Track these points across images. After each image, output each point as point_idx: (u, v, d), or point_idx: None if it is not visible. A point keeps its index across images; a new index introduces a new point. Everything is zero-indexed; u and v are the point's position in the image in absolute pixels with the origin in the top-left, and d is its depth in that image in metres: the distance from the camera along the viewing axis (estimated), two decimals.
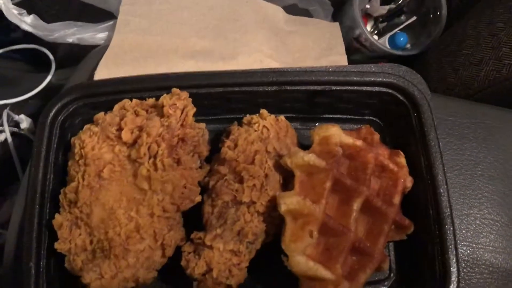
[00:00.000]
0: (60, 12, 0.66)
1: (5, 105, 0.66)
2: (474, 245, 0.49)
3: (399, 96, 0.48)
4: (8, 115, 0.66)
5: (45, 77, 0.67)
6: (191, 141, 0.43)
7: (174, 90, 0.45)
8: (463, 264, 0.49)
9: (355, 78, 0.47)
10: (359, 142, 0.44)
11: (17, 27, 0.86)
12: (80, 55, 0.62)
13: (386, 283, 0.47)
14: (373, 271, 0.43)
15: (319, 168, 0.41)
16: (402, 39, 0.79)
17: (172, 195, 0.41)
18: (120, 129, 0.42)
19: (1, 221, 0.67)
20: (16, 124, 0.68)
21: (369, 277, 0.42)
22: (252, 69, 0.48)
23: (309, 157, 0.41)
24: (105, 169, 0.41)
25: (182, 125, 0.43)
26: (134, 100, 0.45)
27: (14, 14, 0.52)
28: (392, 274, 0.47)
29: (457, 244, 0.42)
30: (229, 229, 0.41)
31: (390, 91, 0.48)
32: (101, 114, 0.44)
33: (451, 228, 0.43)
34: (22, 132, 0.68)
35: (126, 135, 0.41)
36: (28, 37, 0.69)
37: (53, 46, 0.67)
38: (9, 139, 0.63)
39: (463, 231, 0.50)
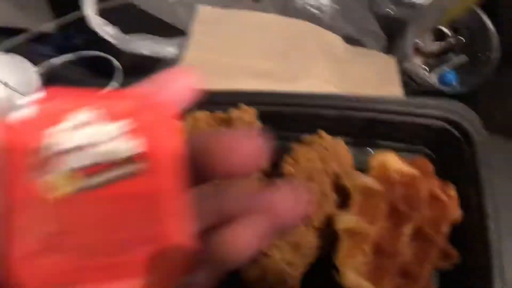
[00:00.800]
0: (133, 25, 0.70)
1: None
2: None
3: (454, 131, 0.50)
4: None
5: (108, 83, 0.71)
6: None
7: (242, 106, 0.48)
8: None
9: (413, 110, 0.50)
10: (414, 171, 0.46)
11: (77, 35, 0.92)
12: (141, 65, 0.66)
13: None
14: None
15: (376, 191, 0.44)
16: (451, 76, 0.81)
17: None
18: None
19: None
20: None
21: None
22: (315, 92, 0.51)
23: (368, 180, 0.44)
24: None
25: None
26: (206, 112, 0.48)
27: (98, 24, 0.57)
28: None
29: (505, 280, 0.44)
30: (285, 240, 0.44)
31: (445, 125, 0.50)
32: None
33: (499, 264, 0.44)
34: None
35: None
36: (88, 44, 0.74)
37: (116, 54, 0.72)
38: None
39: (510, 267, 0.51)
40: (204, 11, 0.61)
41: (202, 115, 0.48)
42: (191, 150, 0.22)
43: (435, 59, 0.85)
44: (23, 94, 0.69)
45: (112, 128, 0.21)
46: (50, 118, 0.21)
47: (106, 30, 0.58)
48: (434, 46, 0.83)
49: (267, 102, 0.50)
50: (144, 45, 0.60)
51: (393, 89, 0.59)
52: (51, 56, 0.75)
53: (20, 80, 0.72)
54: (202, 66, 0.57)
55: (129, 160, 0.21)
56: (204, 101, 0.51)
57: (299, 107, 0.50)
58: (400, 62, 0.80)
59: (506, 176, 0.54)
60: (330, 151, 0.48)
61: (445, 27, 0.83)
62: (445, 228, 0.46)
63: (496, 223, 0.45)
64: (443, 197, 0.47)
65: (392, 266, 0.44)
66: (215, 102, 0.50)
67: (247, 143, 0.21)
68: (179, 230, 0.21)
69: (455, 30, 0.83)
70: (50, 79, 0.78)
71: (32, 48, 0.77)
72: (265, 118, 0.49)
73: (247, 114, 0.47)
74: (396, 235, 0.45)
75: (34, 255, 0.20)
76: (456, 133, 0.50)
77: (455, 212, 0.47)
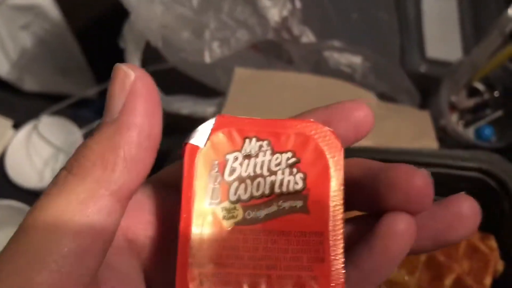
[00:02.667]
0: (174, 87, 0.74)
1: None
2: None
3: (490, 182, 0.50)
4: None
5: None
6: None
7: None
8: None
9: (449, 162, 0.50)
10: None
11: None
12: (177, 126, 0.69)
13: None
14: None
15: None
16: (488, 131, 0.81)
17: None
18: None
19: None
20: None
21: None
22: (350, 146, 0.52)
23: None
24: None
25: None
26: None
27: None
28: None
29: None
30: None
31: (482, 176, 0.50)
32: None
33: None
34: None
35: None
36: None
37: None
38: None
39: None
40: (240, 72, 0.65)
41: None
42: (356, 179, 0.21)
43: (471, 115, 0.85)
44: (68, 154, 0.73)
45: (280, 159, 0.22)
46: (221, 146, 0.21)
47: None
48: (469, 102, 0.84)
49: None
50: (184, 105, 0.63)
51: (428, 142, 0.59)
52: (93, 119, 0.80)
53: (66, 140, 0.76)
54: None
55: (295, 194, 0.21)
56: None
57: None
58: (436, 119, 0.81)
59: None
60: None
61: (479, 83, 0.84)
62: (488, 280, 0.46)
63: None
64: (484, 248, 0.47)
65: None
66: None
67: (423, 175, 0.20)
68: (338, 274, 0.21)
69: (489, 86, 0.84)
70: None
71: (76, 112, 0.82)
72: None
73: None
74: (436, 286, 0.44)
75: (197, 281, 0.20)
76: (493, 183, 0.49)
77: (497, 264, 0.46)
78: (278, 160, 0.21)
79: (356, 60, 0.65)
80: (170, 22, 0.54)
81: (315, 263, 0.21)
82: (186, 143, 0.21)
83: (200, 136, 0.21)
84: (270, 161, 0.21)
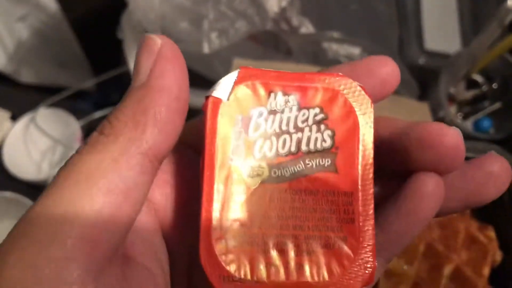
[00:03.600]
0: None
1: None
2: None
3: None
4: None
5: None
6: None
7: None
8: None
9: None
10: None
11: (115, 92, 0.97)
12: None
13: None
14: None
15: None
16: (486, 123, 0.81)
17: None
18: None
19: None
20: None
21: None
22: None
23: None
24: None
25: None
26: None
27: None
28: None
29: None
30: None
31: None
32: None
33: None
34: None
35: None
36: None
37: None
38: None
39: None
40: (238, 64, 0.64)
41: None
42: (386, 137, 0.21)
43: (469, 107, 0.85)
44: (66, 146, 0.73)
45: (307, 115, 0.21)
46: (245, 101, 0.20)
47: None
48: (467, 94, 0.84)
49: None
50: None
51: None
52: (91, 111, 0.80)
53: (64, 132, 0.76)
54: None
55: (323, 152, 0.20)
56: None
57: None
58: (434, 111, 0.81)
59: None
60: None
61: (478, 75, 0.84)
62: (486, 271, 0.46)
63: None
64: (482, 238, 0.47)
65: None
66: None
67: (454, 134, 0.20)
68: (368, 235, 0.20)
69: (488, 77, 0.84)
70: (90, 130, 0.83)
71: (73, 104, 0.82)
72: None
73: None
74: (435, 276, 0.44)
75: (222, 241, 0.20)
76: None
77: (495, 254, 0.46)
78: (305, 116, 0.21)
79: (355, 51, 0.64)
80: (169, 12, 0.54)
81: (344, 223, 0.20)
82: (208, 96, 0.20)
83: (223, 89, 0.20)
84: (296, 117, 0.20)
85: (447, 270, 0.44)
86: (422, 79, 0.83)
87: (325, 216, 0.20)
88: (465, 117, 0.84)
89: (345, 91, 0.21)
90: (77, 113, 0.79)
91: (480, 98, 0.84)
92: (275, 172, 0.20)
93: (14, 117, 0.78)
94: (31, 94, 0.82)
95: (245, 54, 0.67)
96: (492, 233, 0.47)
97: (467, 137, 0.79)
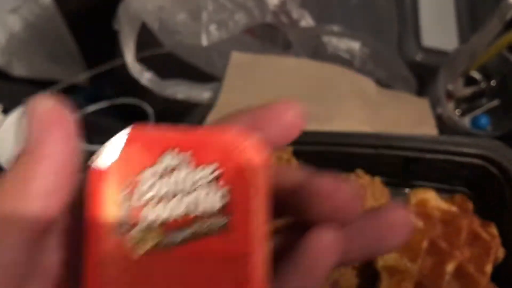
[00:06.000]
0: (170, 72, 0.73)
1: None
2: None
3: (491, 169, 0.49)
4: None
5: None
6: None
7: None
8: None
9: (449, 148, 0.49)
10: (454, 208, 0.45)
11: (108, 85, 0.95)
12: (172, 111, 0.68)
13: None
14: None
15: (416, 228, 0.43)
16: (484, 120, 0.81)
17: None
18: None
19: None
20: None
21: None
22: (351, 130, 0.51)
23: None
24: None
25: None
26: None
27: (137, 70, 0.59)
28: None
29: None
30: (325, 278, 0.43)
31: (483, 163, 0.49)
32: None
33: None
34: None
35: None
36: (119, 94, 0.77)
37: (148, 102, 0.74)
38: None
39: None
40: (236, 57, 0.63)
41: None
42: (287, 189, 0.20)
43: (467, 104, 0.85)
44: None
45: (200, 174, 0.19)
46: (134, 163, 0.19)
47: (144, 76, 0.60)
48: (466, 91, 0.84)
49: (303, 141, 0.50)
50: (180, 90, 0.62)
51: (427, 129, 0.59)
52: (84, 106, 0.78)
53: None
54: (235, 108, 0.58)
55: (216, 212, 0.19)
56: None
57: (335, 146, 0.50)
58: (433, 107, 0.80)
59: None
60: (368, 189, 0.48)
61: (476, 72, 0.83)
62: (489, 268, 0.45)
63: None
64: (485, 235, 0.46)
65: None
66: None
67: (348, 188, 0.19)
68: None
69: (486, 75, 0.84)
70: (83, 127, 0.81)
71: (65, 98, 0.80)
72: (302, 157, 0.50)
73: (285, 152, 0.48)
74: (438, 273, 0.43)
75: None
76: (495, 170, 0.49)
77: (498, 251, 0.46)
78: (198, 176, 0.19)
79: (355, 45, 0.64)
80: (167, 3, 0.53)
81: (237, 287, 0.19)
82: (91, 166, 0.19)
83: (109, 153, 0.19)
84: (188, 177, 0.19)
85: (450, 267, 0.44)
86: (419, 75, 0.83)
87: (217, 281, 0.19)
88: (463, 114, 0.83)
89: (241, 146, 0.19)
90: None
91: (478, 95, 0.84)
92: (165, 239, 0.19)
93: (6, 111, 0.76)
94: (23, 87, 0.81)
95: (244, 47, 0.66)
96: (494, 230, 0.47)
97: (465, 134, 0.79)
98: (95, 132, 0.82)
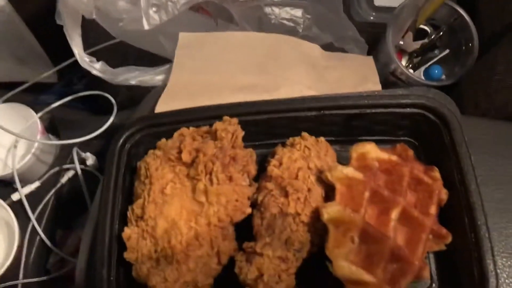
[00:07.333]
0: (121, 60, 0.73)
1: (74, 144, 0.75)
2: None
3: (430, 116, 0.52)
4: (77, 153, 0.74)
5: (107, 120, 0.74)
6: (241, 160, 0.48)
7: (225, 117, 0.51)
8: (504, 275, 0.50)
9: (388, 101, 0.52)
10: (394, 157, 0.48)
11: (77, 81, 0.96)
12: (137, 99, 0.69)
13: None
14: (413, 278, 0.46)
15: (358, 180, 0.46)
16: (436, 71, 0.83)
17: (226, 206, 0.46)
18: (180, 152, 0.48)
19: (67, 252, 0.73)
20: (83, 161, 0.76)
21: (409, 283, 0.45)
22: (293, 97, 0.53)
23: (348, 170, 0.46)
24: (168, 186, 0.47)
25: (233, 146, 0.48)
26: (191, 128, 0.51)
27: (86, 61, 0.60)
28: (434, 284, 0.50)
29: (494, 250, 0.45)
30: (277, 238, 0.46)
31: (421, 111, 0.52)
32: (163, 140, 0.50)
33: (487, 235, 0.45)
34: (88, 169, 0.75)
35: (185, 156, 0.47)
36: (88, 87, 0.78)
37: (113, 93, 0.75)
38: (79, 171, 0.70)
39: (502, 243, 0.52)
40: (184, 37, 0.65)
41: (187, 130, 0.51)
42: None
43: (420, 58, 0.87)
44: (29, 139, 0.73)
45: None
46: None
47: (95, 66, 0.61)
48: (416, 45, 0.85)
49: (248, 112, 0.53)
50: (132, 76, 0.63)
51: (371, 86, 0.61)
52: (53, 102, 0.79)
53: (24, 127, 0.75)
54: (186, 87, 0.59)
55: None
56: (189, 118, 0.54)
57: (279, 113, 0.52)
58: (386, 65, 0.82)
59: (490, 154, 0.55)
60: (313, 150, 0.50)
61: (424, 25, 0.85)
62: (434, 210, 0.48)
63: (480, 197, 0.46)
64: (427, 179, 0.49)
65: (383, 252, 0.45)
66: (199, 117, 0.53)
67: None
68: None
69: (434, 27, 0.86)
70: (52, 123, 0.82)
71: (35, 98, 0.81)
72: (248, 127, 0.52)
73: (231, 124, 0.50)
74: (383, 221, 0.46)
75: None
76: (432, 117, 0.51)
77: (441, 193, 0.48)
78: None
79: (297, 13, 0.65)
80: None
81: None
82: None
83: None
84: None
85: (395, 213, 0.46)
86: (374, 36, 0.85)
87: None
88: (417, 67, 0.85)
89: None
90: (41, 106, 0.78)
91: (430, 48, 0.86)
92: None
93: None
94: None
95: (191, 27, 0.67)
96: (437, 174, 0.49)
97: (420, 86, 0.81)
98: (65, 126, 0.83)
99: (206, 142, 0.48)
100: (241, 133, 0.49)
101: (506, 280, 0.50)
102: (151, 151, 0.50)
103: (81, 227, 0.60)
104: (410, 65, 0.86)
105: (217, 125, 0.49)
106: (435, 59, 0.84)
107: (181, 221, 0.45)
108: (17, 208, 0.72)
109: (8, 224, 0.71)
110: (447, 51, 0.83)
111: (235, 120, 0.50)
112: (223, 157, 0.47)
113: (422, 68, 0.84)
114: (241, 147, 0.49)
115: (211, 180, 0.46)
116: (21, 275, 0.69)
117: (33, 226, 0.72)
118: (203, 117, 0.53)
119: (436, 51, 0.86)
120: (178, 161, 0.48)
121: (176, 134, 0.51)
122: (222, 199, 0.46)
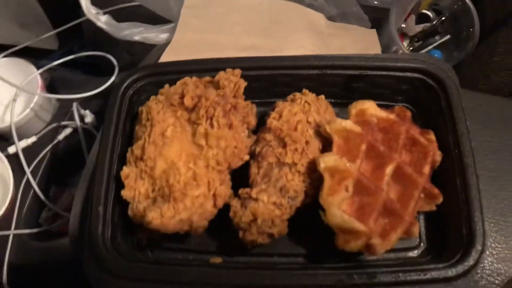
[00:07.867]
0: (128, 19, 0.74)
1: (73, 101, 0.75)
2: (502, 223, 0.52)
3: (429, 81, 0.52)
4: (77, 109, 0.75)
5: (108, 81, 0.75)
6: (241, 110, 0.49)
7: (228, 69, 0.51)
8: (491, 239, 0.52)
9: (389, 64, 0.52)
10: (392, 116, 0.49)
11: (78, 49, 0.96)
12: (136, 60, 0.70)
13: (416, 251, 0.50)
14: (403, 233, 0.47)
15: (355, 133, 0.46)
16: (436, 55, 0.84)
17: (224, 151, 0.47)
18: (182, 98, 0.49)
19: (60, 209, 0.73)
20: (82, 118, 0.76)
21: (399, 238, 0.46)
22: (296, 55, 0.54)
23: (347, 123, 0.46)
24: (168, 129, 0.47)
25: (234, 96, 0.49)
26: (193, 77, 0.52)
27: (92, 13, 0.61)
28: (422, 244, 0.51)
29: (483, 210, 0.46)
30: (272, 185, 0.47)
31: (421, 76, 0.53)
32: (166, 86, 0.51)
33: (478, 195, 0.46)
34: (86, 126, 0.76)
35: (187, 101, 0.48)
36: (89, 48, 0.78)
37: (115, 55, 0.75)
38: (79, 125, 0.70)
39: (491, 210, 0.53)
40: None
41: (190, 79, 0.51)
42: None
43: (421, 41, 0.88)
44: (28, 93, 0.73)
45: None
46: None
47: (100, 19, 0.62)
48: (417, 29, 0.87)
49: (251, 66, 0.53)
50: (136, 32, 0.64)
51: None
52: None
53: (24, 81, 0.76)
54: (189, 45, 0.60)
55: None
56: (192, 69, 0.54)
57: (281, 69, 0.53)
58: (388, 46, 0.83)
59: (484, 125, 0.56)
60: (313, 105, 0.51)
61: (427, 10, 0.86)
62: (427, 170, 0.49)
63: (473, 159, 0.47)
64: (423, 140, 0.50)
65: (376, 203, 0.45)
66: (202, 69, 0.54)
67: None
68: None
69: (437, 12, 0.87)
70: (52, 80, 0.83)
71: (35, 62, 0.81)
72: (250, 82, 0.53)
73: (234, 75, 0.50)
74: (378, 175, 0.47)
75: None
76: (431, 82, 0.52)
77: (436, 155, 0.49)
78: None
79: None
80: None
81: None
82: None
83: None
84: None
85: (389, 169, 0.47)
86: (376, 18, 0.86)
87: None
88: (417, 50, 0.87)
89: None
90: (39, 63, 0.79)
91: (432, 33, 0.87)
92: None
93: None
94: None
95: None
96: (432, 136, 0.50)
97: None
98: (65, 87, 0.83)
99: (208, 89, 0.49)
100: (243, 84, 0.50)
101: (492, 244, 0.51)
102: (153, 97, 0.51)
103: (75, 185, 0.60)
104: (411, 49, 0.87)
105: (220, 74, 0.50)
106: (435, 44, 0.85)
107: (180, 162, 0.46)
108: (13, 161, 0.72)
109: (2, 176, 0.71)
110: (448, 36, 0.85)
111: (238, 71, 0.51)
112: (225, 104, 0.47)
113: (423, 52, 0.85)
114: (243, 98, 0.50)
115: (211, 125, 0.46)
116: (13, 226, 0.69)
117: (28, 180, 0.72)
118: (207, 68, 0.53)
119: (437, 37, 0.87)
120: (180, 106, 0.49)
121: (179, 83, 0.51)
122: (222, 143, 0.46)
